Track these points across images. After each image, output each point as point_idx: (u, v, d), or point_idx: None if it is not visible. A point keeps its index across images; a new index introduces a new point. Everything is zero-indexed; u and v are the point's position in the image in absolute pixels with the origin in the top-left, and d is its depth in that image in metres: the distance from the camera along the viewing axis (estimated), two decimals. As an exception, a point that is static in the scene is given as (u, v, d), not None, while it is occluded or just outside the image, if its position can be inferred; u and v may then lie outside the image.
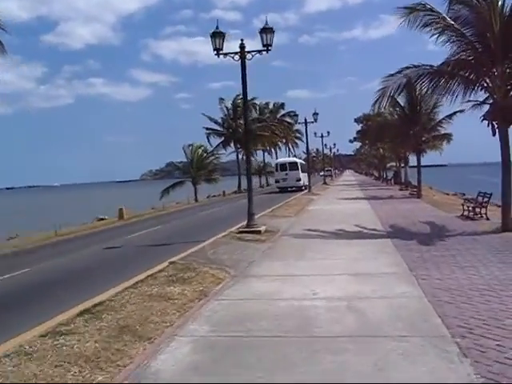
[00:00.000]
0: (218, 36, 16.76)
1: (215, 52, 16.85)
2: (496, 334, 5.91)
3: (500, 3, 14.76)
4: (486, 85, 15.22)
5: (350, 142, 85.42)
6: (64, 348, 6.03)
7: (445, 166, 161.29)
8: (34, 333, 6.70)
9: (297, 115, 56.51)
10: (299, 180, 49.65)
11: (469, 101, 15.53)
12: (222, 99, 61.96)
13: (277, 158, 71.50)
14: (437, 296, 7.77)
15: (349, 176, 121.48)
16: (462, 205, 19.91)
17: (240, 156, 61.08)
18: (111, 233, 23.56)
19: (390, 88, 16.14)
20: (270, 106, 75.00)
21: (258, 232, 16.39)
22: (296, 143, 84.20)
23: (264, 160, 79.18)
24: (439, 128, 33.63)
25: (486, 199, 18.63)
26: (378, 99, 16.45)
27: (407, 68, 15.90)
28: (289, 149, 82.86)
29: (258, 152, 71.69)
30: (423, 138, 33.22)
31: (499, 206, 18.61)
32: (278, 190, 49.97)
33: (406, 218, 19.71)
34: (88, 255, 15.87)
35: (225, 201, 43.87)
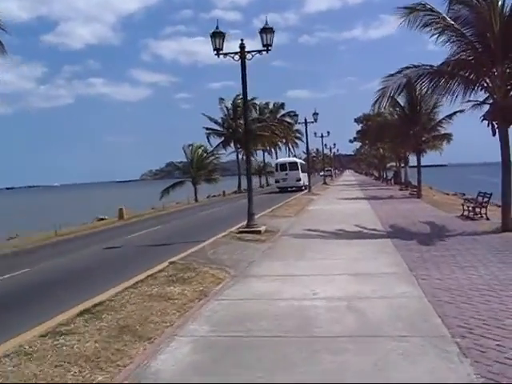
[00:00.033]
0: (217, 36, 16.76)
1: (215, 52, 16.85)
2: (496, 334, 5.91)
3: (500, 3, 14.77)
4: (486, 85, 15.22)
5: (350, 142, 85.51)
6: (64, 348, 6.03)
7: (445, 166, 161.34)
8: (33, 333, 6.70)
9: (297, 115, 56.57)
10: (299, 180, 49.70)
11: (469, 101, 15.55)
12: (221, 99, 62.06)
13: (277, 158, 71.57)
14: (437, 296, 7.77)
15: (349, 176, 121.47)
16: (462, 205, 19.91)
17: (240, 156, 61.12)
18: (111, 233, 23.56)
19: (390, 88, 16.14)
20: (270, 106, 75.02)
21: (258, 232, 16.39)
22: (296, 143, 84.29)
23: (264, 160, 79.31)
24: (439, 128, 33.64)
25: (486, 199, 18.63)
26: (378, 99, 16.46)
27: (407, 68, 15.90)
28: (289, 149, 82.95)
29: (258, 152, 71.78)
30: (423, 138, 33.22)
31: (499, 206, 18.62)
32: (278, 190, 50.02)
33: (406, 217, 19.71)
34: (88, 255, 15.87)
35: (225, 201, 43.87)
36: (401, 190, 42.73)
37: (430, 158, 38.67)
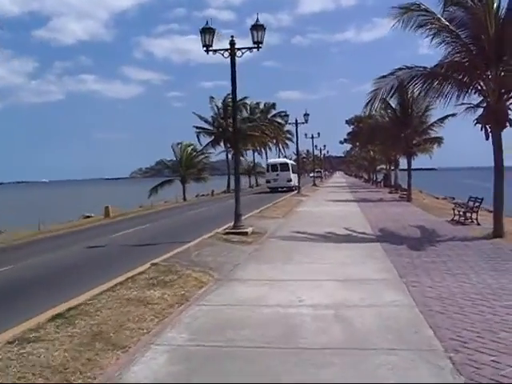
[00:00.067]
0: (207, 32, 16.37)
1: (205, 48, 16.46)
2: (491, 349, 5.59)
3: (496, 5, 14.51)
4: (479, 88, 14.96)
5: (341, 143, 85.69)
6: (30, 357, 5.59)
7: (434, 169, 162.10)
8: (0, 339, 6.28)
9: (287, 115, 56.42)
10: (290, 180, 50.32)
11: (462, 103, 15.31)
12: (212, 98, 61.57)
13: (267, 159, 71.60)
14: (428, 305, 7.44)
15: (339, 178, 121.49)
16: (453, 209, 19.66)
17: (230, 155, 60.69)
18: (96, 231, 23.09)
19: (382, 90, 15.82)
20: (261, 106, 74.54)
21: (245, 233, 16.02)
22: (286, 144, 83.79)
23: (254, 160, 78.99)
24: (430, 131, 33.48)
25: (477, 204, 18.38)
26: (370, 101, 16.13)
27: (400, 69, 15.59)
28: (279, 149, 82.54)
29: (248, 152, 71.54)
30: (414, 141, 33.03)
31: (489, 211, 18.42)
32: (268, 189, 50.67)
33: (396, 221, 19.44)
34: (70, 254, 15.38)
35: (213, 200, 43.51)
36: (390, 192, 42.56)
37: (419, 161, 38.50)
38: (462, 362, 5.23)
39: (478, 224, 17.42)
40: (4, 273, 12.58)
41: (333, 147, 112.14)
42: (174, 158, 52.78)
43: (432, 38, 15.18)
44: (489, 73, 14.76)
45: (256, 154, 76.38)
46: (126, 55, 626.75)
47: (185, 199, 47.49)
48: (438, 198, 40.27)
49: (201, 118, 60.78)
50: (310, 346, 5.93)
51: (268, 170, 53.17)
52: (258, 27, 16.39)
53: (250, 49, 16.66)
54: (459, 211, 18.94)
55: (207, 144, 60.29)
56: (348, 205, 29.58)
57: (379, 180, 63.16)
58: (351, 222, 19.23)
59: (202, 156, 55.66)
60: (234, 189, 19.37)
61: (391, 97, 18.97)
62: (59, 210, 43.47)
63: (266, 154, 77.72)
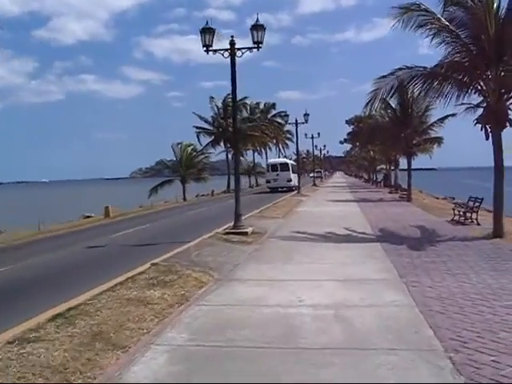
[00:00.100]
0: (207, 32, 16.36)
1: (204, 48, 16.45)
2: (491, 349, 5.59)
3: (496, 5, 14.50)
4: (479, 88, 14.95)
5: (341, 143, 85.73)
6: (30, 357, 5.59)
7: (434, 169, 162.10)
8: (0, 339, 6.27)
9: (287, 115, 56.43)
10: (290, 180, 50.50)
11: (462, 103, 15.30)
12: (212, 98, 61.53)
13: (267, 159, 71.63)
14: (428, 305, 7.44)
15: (339, 178, 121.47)
16: (453, 209, 19.65)
17: (230, 155, 60.67)
18: (96, 231, 23.08)
19: (382, 89, 15.81)
20: (261, 106, 74.56)
21: (245, 233, 16.01)
22: (286, 144, 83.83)
23: (254, 160, 78.97)
24: (430, 131, 33.47)
25: (477, 204, 18.37)
26: (370, 101, 16.12)
27: (400, 69, 15.58)
28: (279, 149, 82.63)
29: (248, 152, 71.51)
30: (414, 141, 33.01)
31: (489, 211, 18.40)
32: (268, 189, 50.88)
33: (396, 221, 19.43)
34: (71, 254, 15.38)
35: (213, 200, 43.50)
36: (390, 192, 42.55)
37: (419, 161, 38.50)
38: (462, 362, 5.23)
39: (478, 224, 17.42)
40: (4, 273, 12.57)
41: (333, 147, 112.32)
42: (174, 158, 52.80)
43: (432, 38, 15.18)
44: (489, 73, 14.75)
45: (256, 154, 76.50)
46: (125, 55, 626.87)
47: (185, 199, 47.47)
48: (438, 198, 40.26)
49: (201, 117, 60.82)
50: (310, 346, 5.93)
51: (268, 170, 53.47)
52: (257, 27, 16.38)
53: (250, 49, 16.65)
54: (459, 211, 18.94)
55: (207, 144, 60.34)
56: (348, 205, 29.57)
57: (379, 180, 63.15)
58: (351, 222, 19.22)
59: (202, 156, 55.64)
60: (234, 189, 19.37)
61: (391, 97, 18.97)
62: (59, 210, 43.44)
63: (266, 154, 77.86)
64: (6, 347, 5.93)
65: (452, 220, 18.87)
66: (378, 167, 67.19)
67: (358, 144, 68.36)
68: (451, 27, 14.83)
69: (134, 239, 17.82)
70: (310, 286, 8.96)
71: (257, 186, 73.11)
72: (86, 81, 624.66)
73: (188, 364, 5.55)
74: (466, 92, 15.07)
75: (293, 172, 51.79)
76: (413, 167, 33.74)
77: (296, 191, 45.52)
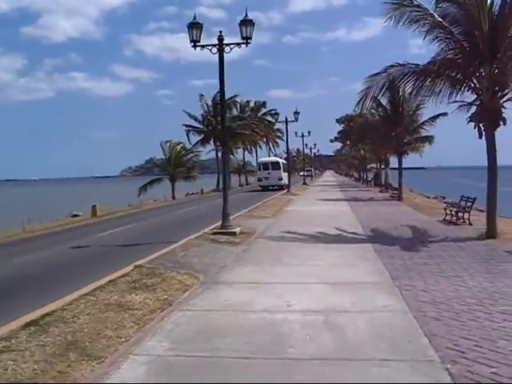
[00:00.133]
0: (195, 27, 15.97)
1: (192, 44, 16.06)
2: (490, 359, 5.25)
3: (489, 1, 14.22)
4: (473, 85, 14.67)
5: (331, 141, 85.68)
6: (-4, 370, 5.19)
7: (424, 168, 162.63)
8: (-34, 349, 5.85)
9: (278, 114, 56.40)
10: (281, 179, 50.60)
11: (455, 101, 15.03)
12: (201, 95, 60.99)
13: (257, 157, 71.29)
14: (422, 310, 7.11)
15: (329, 176, 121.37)
16: (445, 209, 19.39)
17: (219, 154, 60.15)
18: (82, 230, 22.55)
19: (373, 88, 15.50)
20: (251, 105, 74.11)
21: (233, 234, 15.62)
22: (277, 142, 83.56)
23: (244, 159, 78.51)
24: (421, 130, 33.29)
25: (468, 204, 18.11)
26: (361, 99, 15.82)
27: (392, 66, 15.28)
28: (269, 148, 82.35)
29: (238, 150, 71.08)
30: (405, 140, 32.82)
31: (481, 211, 18.18)
32: (259, 188, 50.95)
33: (387, 221, 19.14)
34: (53, 255, 14.90)
35: (203, 199, 43.06)
36: (381, 191, 42.37)
37: (409, 160, 38.26)
38: (460, 375, 4.89)
39: (470, 224, 17.17)
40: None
41: (323, 146, 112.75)
42: (164, 157, 52.33)
43: (425, 35, 14.87)
44: (482, 70, 14.50)
45: (246, 152, 76.06)
46: (116, 53, 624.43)
47: (174, 198, 47.05)
48: (428, 197, 40.12)
49: (190, 116, 60.29)
50: (299, 356, 5.54)
51: (259, 169, 53.67)
52: (246, 22, 15.99)
53: (238, 44, 16.24)
54: (451, 211, 18.68)
55: (197, 142, 59.82)
56: (338, 204, 29.29)
57: (370, 179, 62.99)
58: (342, 221, 18.92)
59: (192, 154, 55.17)
60: (222, 187, 18.98)
61: (383, 94, 18.69)
62: (46, 209, 42.78)
63: (257, 152, 77.43)
64: (-29, 358, 5.52)
65: (444, 220, 18.60)
66: (369, 166, 67.10)
67: (348, 143, 68.23)
68: (444, 23, 14.54)
69: (120, 239, 17.38)
70: (298, 290, 8.61)
71: (247, 184, 72.73)
72: (76, 78, 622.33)
73: (167, 376, 5.18)
74: (459, 90, 14.81)
75: (284, 171, 51.86)
76: (403, 166, 33.55)
77: (286, 190, 45.32)
